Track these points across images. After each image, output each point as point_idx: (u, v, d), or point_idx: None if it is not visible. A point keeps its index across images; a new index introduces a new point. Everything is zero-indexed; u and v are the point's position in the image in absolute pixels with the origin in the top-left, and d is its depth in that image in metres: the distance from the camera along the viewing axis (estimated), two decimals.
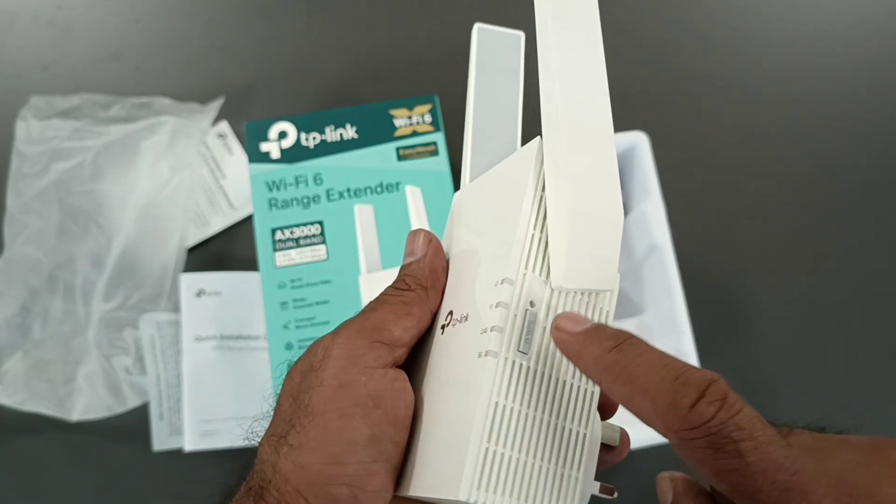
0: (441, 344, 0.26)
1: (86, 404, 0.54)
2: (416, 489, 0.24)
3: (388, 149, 0.53)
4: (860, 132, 0.62)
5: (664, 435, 0.20)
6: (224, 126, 0.62)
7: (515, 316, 0.23)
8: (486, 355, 0.22)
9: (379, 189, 0.52)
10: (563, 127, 0.23)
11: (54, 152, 0.59)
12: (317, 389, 0.24)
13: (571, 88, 0.23)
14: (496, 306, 0.23)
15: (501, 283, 0.23)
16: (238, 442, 0.53)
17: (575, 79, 0.24)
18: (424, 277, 0.27)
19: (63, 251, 0.57)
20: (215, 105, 0.61)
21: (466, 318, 0.24)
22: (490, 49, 0.31)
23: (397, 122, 0.54)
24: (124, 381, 0.54)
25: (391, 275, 0.30)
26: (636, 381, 0.20)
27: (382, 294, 0.27)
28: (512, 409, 0.22)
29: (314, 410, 0.24)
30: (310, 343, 0.48)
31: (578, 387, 0.24)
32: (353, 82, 0.64)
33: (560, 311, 0.23)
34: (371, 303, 0.27)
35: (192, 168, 0.59)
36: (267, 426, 0.26)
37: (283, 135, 0.54)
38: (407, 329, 0.26)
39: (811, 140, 0.62)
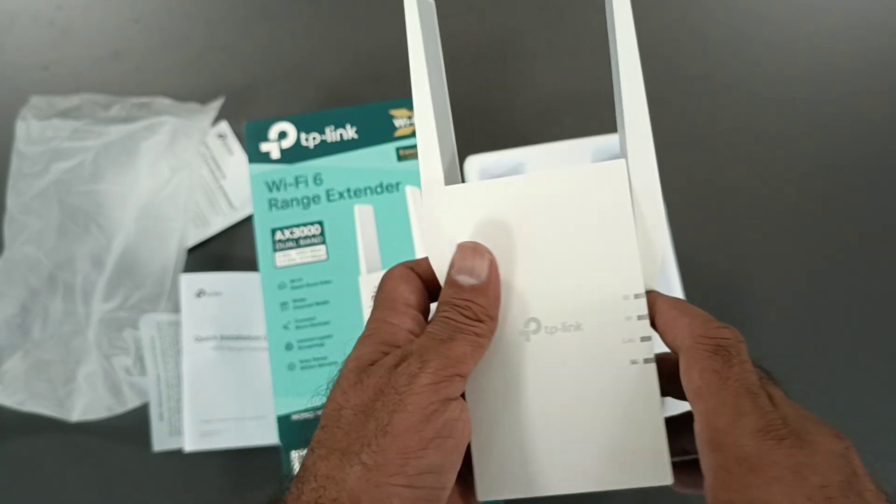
0: (535, 351, 0.27)
1: (86, 404, 0.54)
2: (567, 487, 0.27)
3: (388, 149, 0.53)
4: (861, 132, 0.62)
5: (679, 343, 0.26)
6: (224, 126, 0.62)
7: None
8: (645, 362, 0.27)
9: (379, 189, 0.52)
10: (651, 160, 0.27)
11: (54, 152, 0.59)
12: (400, 414, 0.24)
13: (647, 114, 0.28)
14: (639, 318, 0.27)
15: (635, 297, 0.27)
16: (238, 442, 0.53)
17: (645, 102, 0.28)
18: (491, 307, 0.27)
19: (63, 251, 0.57)
20: (215, 105, 0.61)
21: (579, 327, 0.27)
22: (423, 19, 0.30)
23: (397, 123, 0.54)
24: (124, 382, 0.54)
25: None
26: (687, 310, 0.26)
27: (451, 319, 0.26)
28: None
29: (394, 432, 0.24)
30: (313, 343, 0.49)
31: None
32: (353, 82, 0.64)
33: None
34: (440, 327, 0.26)
35: (192, 168, 0.59)
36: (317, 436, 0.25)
37: (283, 135, 0.54)
38: (477, 361, 0.27)
39: (811, 140, 0.62)
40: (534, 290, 0.27)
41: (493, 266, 0.27)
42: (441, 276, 0.28)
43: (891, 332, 0.58)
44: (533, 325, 0.27)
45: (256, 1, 0.66)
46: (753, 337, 0.60)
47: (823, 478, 0.23)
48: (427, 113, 0.29)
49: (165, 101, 0.61)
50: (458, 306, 0.27)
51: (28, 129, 0.59)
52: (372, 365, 0.26)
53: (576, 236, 0.27)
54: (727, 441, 0.23)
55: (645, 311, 0.27)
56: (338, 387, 0.26)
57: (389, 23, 0.66)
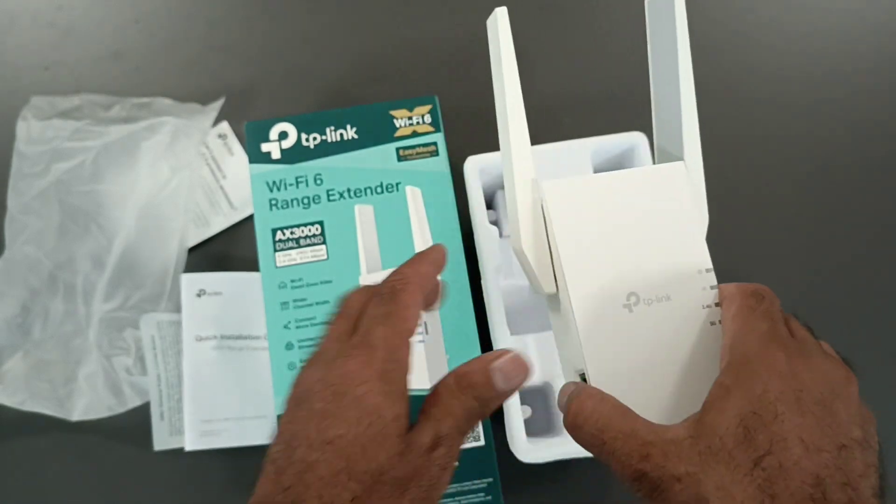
0: (638, 318, 0.32)
1: (86, 404, 0.54)
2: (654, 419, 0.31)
3: (389, 149, 0.53)
4: (860, 133, 0.62)
5: (725, 292, 0.31)
6: (225, 126, 0.62)
7: None
8: (720, 323, 0.32)
9: (379, 189, 0.52)
10: (699, 162, 0.35)
11: (55, 152, 0.59)
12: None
13: None
14: (711, 288, 0.32)
15: (706, 271, 0.33)
16: (238, 441, 0.53)
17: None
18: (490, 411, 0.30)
19: (63, 251, 0.57)
20: (216, 105, 0.61)
21: (669, 298, 0.32)
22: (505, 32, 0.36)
23: (397, 123, 0.54)
24: (125, 381, 0.54)
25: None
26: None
27: (473, 418, 0.29)
28: None
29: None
30: (313, 342, 0.49)
31: None
32: (354, 83, 0.64)
33: None
34: (467, 418, 0.29)
35: (192, 168, 0.59)
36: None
37: (283, 135, 0.54)
38: None
39: (811, 141, 0.62)
40: (630, 268, 0.33)
41: (518, 387, 0.30)
42: (531, 253, 0.33)
43: (891, 332, 0.58)
44: (633, 298, 0.32)
45: (257, 1, 0.66)
46: None
47: (803, 385, 0.26)
48: (520, 110, 0.35)
49: (166, 102, 0.62)
50: (482, 404, 0.29)
51: (28, 129, 0.59)
52: (409, 433, 0.27)
53: (655, 223, 0.33)
54: (737, 342, 0.28)
55: (715, 281, 0.32)
56: (381, 448, 0.26)
57: (390, 23, 0.66)
